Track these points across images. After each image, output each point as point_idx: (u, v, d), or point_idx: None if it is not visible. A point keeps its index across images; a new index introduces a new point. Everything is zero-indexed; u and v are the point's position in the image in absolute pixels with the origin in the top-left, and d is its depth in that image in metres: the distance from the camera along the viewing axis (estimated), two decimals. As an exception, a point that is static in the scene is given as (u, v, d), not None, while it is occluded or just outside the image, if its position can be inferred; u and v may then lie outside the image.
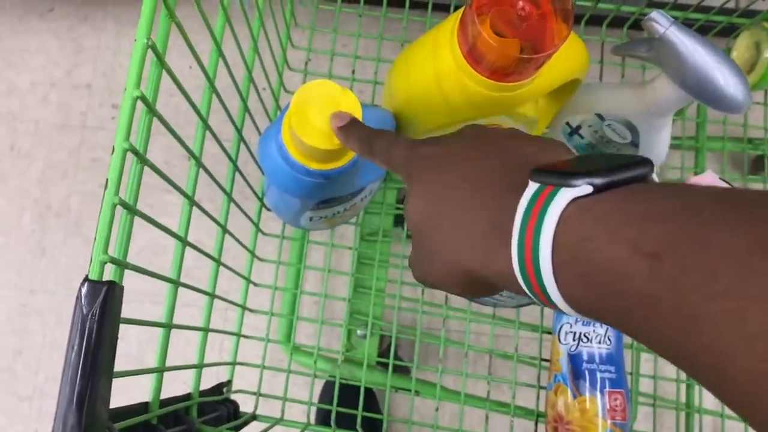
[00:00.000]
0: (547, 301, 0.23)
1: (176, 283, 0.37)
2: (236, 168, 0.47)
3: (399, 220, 0.97)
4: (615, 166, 0.22)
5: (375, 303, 0.65)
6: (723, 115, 0.71)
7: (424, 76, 0.47)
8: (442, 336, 0.61)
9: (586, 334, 0.55)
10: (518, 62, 0.41)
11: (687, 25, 0.55)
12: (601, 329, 0.55)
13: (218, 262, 0.46)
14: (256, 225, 0.56)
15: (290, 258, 0.67)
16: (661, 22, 0.45)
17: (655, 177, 0.23)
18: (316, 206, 0.49)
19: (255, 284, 0.57)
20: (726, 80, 0.45)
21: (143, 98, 0.29)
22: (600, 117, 0.55)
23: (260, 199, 0.56)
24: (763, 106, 0.71)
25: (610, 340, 0.55)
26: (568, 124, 0.59)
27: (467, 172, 0.29)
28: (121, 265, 0.27)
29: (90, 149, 1.09)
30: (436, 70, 0.45)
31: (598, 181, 0.22)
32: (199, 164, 0.40)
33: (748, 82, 0.64)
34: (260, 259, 0.58)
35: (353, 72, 0.63)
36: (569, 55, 0.48)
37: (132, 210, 0.28)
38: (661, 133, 0.54)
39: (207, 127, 0.41)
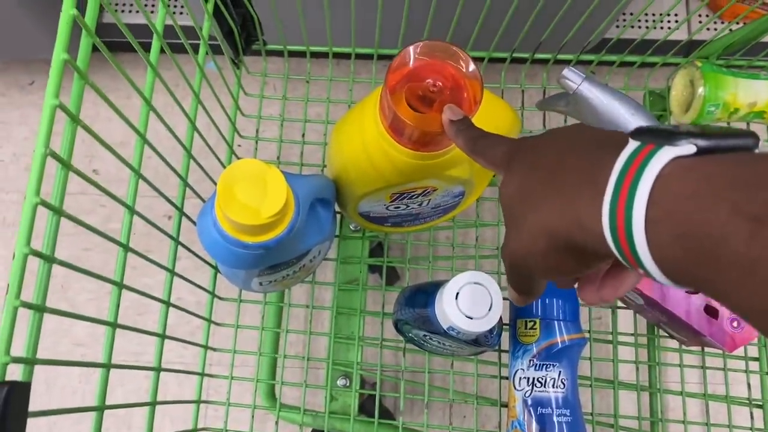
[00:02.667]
0: (636, 263, 0.23)
1: (107, 367, 0.39)
2: (177, 241, 0.49)
3: (374, 269, 0.99)
4: (721, 131, 0.22)
5: (357, 349, 0.66)
6: None
7: (354, 145, 0.49)
8: (426, 383, 0.62)
9: (540, 379, 0.56)
10: (435, 134, 0.43)
11: (629, 65, 0.57)
12: (554, 373, 0.56)
13: (162, 336, 0.48)
14: (212, 292, 0.57)
15: (267, 322, 0.69)
16: (573, 79, 0.47)
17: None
18: (262, 273, 0.51)
19: (214, 349, 0.58)
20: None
21: (54, 155, 0.31)
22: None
23: (214, 267, 0.58)
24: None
25: (564, 383, 0.56)
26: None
27: (557, 145, 0.29)
28: (29, 362, 0.29)
29: (73, 213, 1.11)
30: (363, 141, 0.47)
31: (703, 143, 0.22)
32: (126, 244, 0.42)
33: (688, 120, 0.66)
34: (218, 324, 0.59)
35: (303, 136, 0.65)
36: (494, 117, 0.50)
37: (40, 308, 0.30)
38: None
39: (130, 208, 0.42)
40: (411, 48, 0.41)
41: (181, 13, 1.05)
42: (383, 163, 0.47)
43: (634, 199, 0.22)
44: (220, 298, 0.60)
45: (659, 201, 0.21)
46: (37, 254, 0.30)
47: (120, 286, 0.40)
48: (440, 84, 0.42)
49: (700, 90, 0.64)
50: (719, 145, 0.22)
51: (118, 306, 0.39)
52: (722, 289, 0.20)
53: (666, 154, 0.22)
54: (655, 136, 0.23)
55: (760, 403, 0.64)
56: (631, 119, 0.46)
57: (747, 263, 0.19)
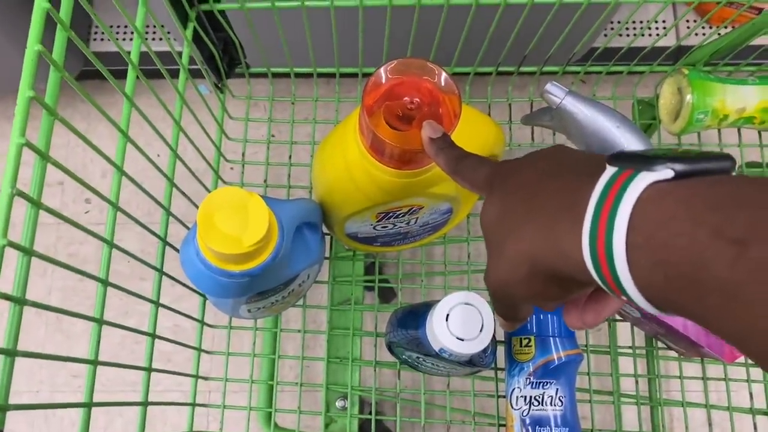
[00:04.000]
0: (618, 290, 0.23)
1: (87, 406, 0.38)
2: (161, 272, 0.48)
3: (371, 288, 0.98)
4: (697, 155, 0.22)
5: (352, 371, 0.65)
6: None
7: (336, 166, 0.48)
8: (422, 403, 0.61)
9: (537, 398, 0.55)
10: (416, 151, 0.42)
11: (615, 73, 0.57)
12: (551, 391, 0.55)
13: (148, 369, 0.47)
14: (200, 320, 0.57)
15: (263, 348, 0.68)
16: (556, 93, 0.46)
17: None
18: (250, 300, 0.50)
19: (205, 378, 0.57)
20: (628, 142, 0.46)
21: (22, 194, 0.31)
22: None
23: (201, 294, 0.57)
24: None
25: (561, 401, 0.55)
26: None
27: (536, 169, 0.29)
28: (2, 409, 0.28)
29: (66, 244, 1.11)
30: (345, 161, 0.47)
31: (680, 167, 0.22)
32: (105, 281, 0.41)
33: (678, 128, 0.66)
34: (208, 352, 0.58)
35: (290, 157, 0.65)
36: (477, 133, 0.50)
37: (10, 353, 0.29)
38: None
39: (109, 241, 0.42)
40: (384, 67, 0.40)
41: (161, 39, 1.05)
42: (366, 183, 0.46)
43: (613, 226, 0.22)
44: (209, 326, 0.59)
45: (639, 227, 0.21)
46: (5, 297, 0.29)
47: (100, 322, 0.39)
48: (417, 101, 0.41)
49: (688, 98, 0.63)
50: (696, 168, 0.22)
51: (98, 343, 0.38)
52: (705, 315, 0.20)
53: (644, 179, 0.22)
54: (632, 161, 0.23)
55: (765, 410, 0.62)
56: (616, 132, 0.46)
57: (730, 288, 0.18)
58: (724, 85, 0.64)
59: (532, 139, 0.68)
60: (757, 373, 0.64)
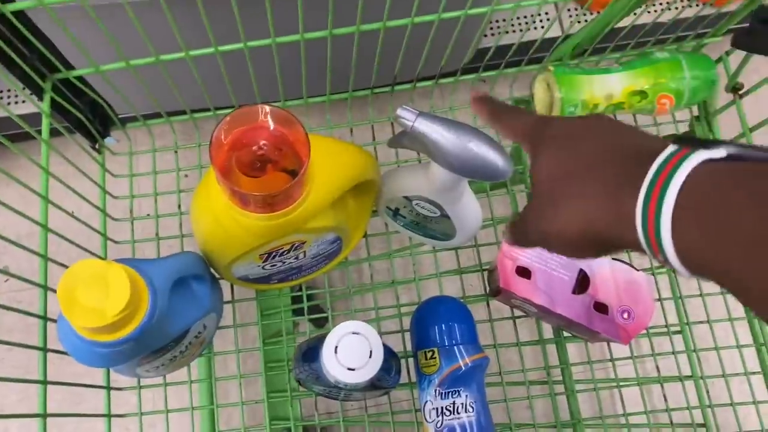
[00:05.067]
0: (657, 246, 0.26)
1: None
2: (45, 349, 0.48)
3: (297, 312, 0.98)
4: (752, 146, 0.26)
5: (291, 402, 0.64)
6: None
7: (206, 218, 0.48)
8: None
9: (448, 407, 0.56)
10: (278, 193, 0.43)
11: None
12: (461, 398, 0.56)
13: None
14: (107, 386, 0.56)
15: (201, 401, 0.67)
16: (406, 117, 0.47)
17: None
18: (141, 362, 0.50)
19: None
20: (484, 154, 0.47)
21: None
22: (407, 198, 0.58)
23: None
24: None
25: (472, 407, 0.56)
26: (388, 207, 0.62)
27: (602, 142, 0.32)
28: None
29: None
30: (213, 212, 0.47)
31: (733, 149, 0.25)
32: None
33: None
34: (120, 415, 0.58)
35: (179, 207, 0.64)
36: (342, 163, 0.51)
37: None
38: (462, 202, 0.56)
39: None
40: (219, 126, 0.41)
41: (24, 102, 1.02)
42: (237, 231, 0.47)
43: (667, 188, 0.25)
44: (117, 389, 0.58)
45: (688, 192, 0.25)
46: None
47: None
48: (265, 143, 0.42)
49: (557, 94, 0.65)
50: (746, 153, 0.26)
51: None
52: (732, 270, 0.23)
53: (699, 155, 0.26)
54: (691, 142, 0.27)
55: (667, 377, 0.65)
56: (472, 146, 0.47)
57: (761, 240, 0.22)
58: (590, 76, 0.66)
59: (397, 157, 0.69)
60: (661, 344, 0.67)
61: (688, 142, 0.27)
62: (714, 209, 0.24)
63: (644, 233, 0.27)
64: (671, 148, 0.27)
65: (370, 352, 0.48)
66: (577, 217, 0.31)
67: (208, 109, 0.64)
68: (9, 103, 1.01)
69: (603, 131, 0.33)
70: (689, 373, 0.65)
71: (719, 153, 0.25)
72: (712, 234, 0.24)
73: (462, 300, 0.63)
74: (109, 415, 0.56)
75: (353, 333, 0.48)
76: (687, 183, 0.25)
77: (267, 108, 0.41)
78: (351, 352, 0.48)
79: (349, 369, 0.47)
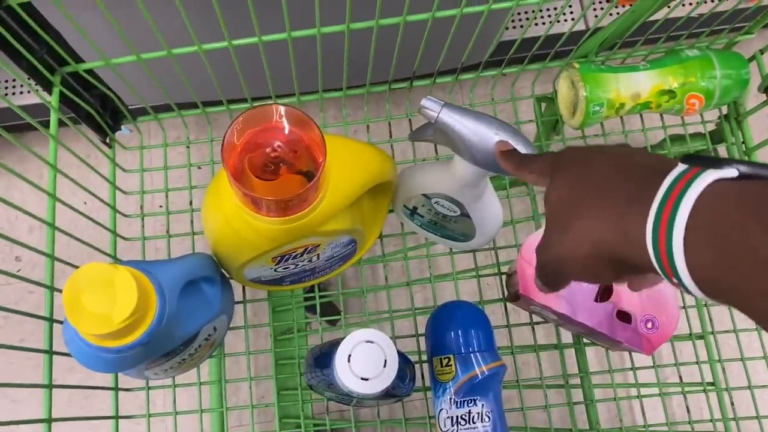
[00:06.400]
0: (670, 269, 0.26)
1: None
2: (51, 352, 0.47)
3: (310, 309, 0.96)
4: (763, 164, 0.26)
5: (302, 402, 0.63)
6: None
7: (217, 219, 0.47)
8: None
9: (464, 416, 0.55)
10: (291, 197, 0.41)
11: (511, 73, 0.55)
12: (477, 408, 0.55)
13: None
14: (114, 387, 0.55)
15: (211, 403, 0.66)
16: (431, 107, 0.45)
17: None
18: (149, 366, 0.48)
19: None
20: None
21: None
22: (426, 197, 0.56)
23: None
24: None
25: (489, 416, 0.54)
26: (405, 206, 0.60)
27: (610, 163, 0.32)
28: None
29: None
30: (224, 214, 0.45)
31: (744, 168, 0.25)
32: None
33: (577, 123, 0.65)
34: (128, 417, 0.57)
35: (191, 203, 0.63)
36: (359, 163, 0.49)
37: None
38: (484, 200, 0.54)
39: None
40: (232, 126, 0.39)
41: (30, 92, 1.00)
42: (250, 234, 0.45)
43: (678, 209, 0.25)
44: (125, 390, 0.57)
45: (699, 212, 0.24)
46: None
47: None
48: (279, 146, 0.40)
49: (582, 92, 0.63)
50: (758, 172, 0.25)
51: None
52: (745, 294, 0.23)
53: (710, 175, 0.25)
54: (701, 161, 0.26)
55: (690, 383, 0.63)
56: (496, 138, 0.45)
57: None
58: (617, 74, 0.64)
59: (414, 155, 0.67)
60: (683, 352, 0.65)
61: (698, 161, 0.27)
62: (726, 232, 0.23)
63: (656, 255, 0.26)
64: (680, 168, 0.27)
65: (385, 361, 0.46)
66: (585, 237, 0.31)
67: (221, 102, 0.62)
68: (15, 93, 0.99)
69: (612, 154, 0.33)
70: (712, 383, 0.63)
71: (730, 173, 0.25)
72: (727, 257, 0.23)
73: (478, 303, 0.61)
74: (116, 417, 0.55)
75: (367, 342, 0.47)
76: (698, 204, 0.24)
77: (281, 108, 0.39)
78: (365, 361, 0.46)
79: (363, 379, 0.46)
